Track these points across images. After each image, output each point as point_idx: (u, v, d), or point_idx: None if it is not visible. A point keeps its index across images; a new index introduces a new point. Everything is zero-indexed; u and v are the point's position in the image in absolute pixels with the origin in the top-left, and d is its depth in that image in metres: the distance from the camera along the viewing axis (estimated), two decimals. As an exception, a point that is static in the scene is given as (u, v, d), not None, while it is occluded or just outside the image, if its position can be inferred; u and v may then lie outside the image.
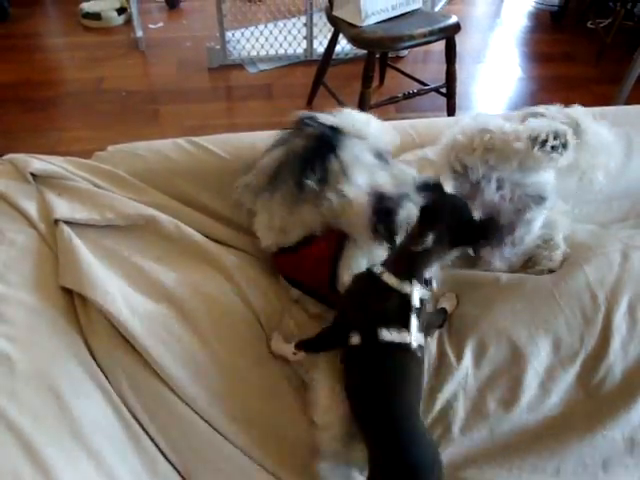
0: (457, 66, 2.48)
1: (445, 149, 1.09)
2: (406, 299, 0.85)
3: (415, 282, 0.86)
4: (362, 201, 0.93)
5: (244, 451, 0.88)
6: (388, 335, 0.84)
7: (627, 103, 2.45)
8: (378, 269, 0.88)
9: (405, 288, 0.86)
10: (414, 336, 0.85)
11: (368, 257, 0.99)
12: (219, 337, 0.94)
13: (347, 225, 0.97)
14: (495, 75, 3.23)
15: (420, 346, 0.87)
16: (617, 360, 1.03)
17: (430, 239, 0.85)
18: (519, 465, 1.02)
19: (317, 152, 0.97)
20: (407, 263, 0.87)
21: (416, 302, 0.86)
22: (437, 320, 1.04)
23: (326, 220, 0.99)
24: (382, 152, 1.04)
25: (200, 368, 0.91)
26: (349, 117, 1.06)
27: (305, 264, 1.01)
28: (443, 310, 1.06)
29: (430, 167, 1.10)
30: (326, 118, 1.05)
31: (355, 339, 0.86)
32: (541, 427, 1.05)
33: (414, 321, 0.85)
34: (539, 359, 1.02)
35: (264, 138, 1.14)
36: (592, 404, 1.04)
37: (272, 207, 1.02)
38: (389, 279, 0.86)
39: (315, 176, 0.96)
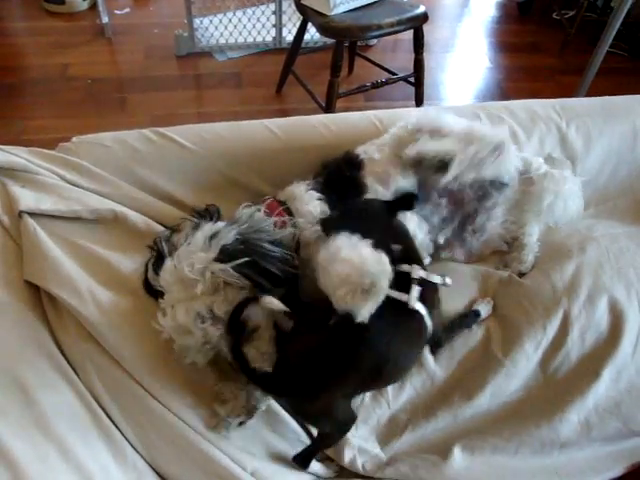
0: (425, 55, 2.50)
1: (391, 143, 1.12)
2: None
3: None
4: None
5: (211, 441, 0.89)
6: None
7: (588, 93, 2.52)
8: None
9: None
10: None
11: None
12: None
13: None
14: (463, 65, 3.26)
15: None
16: (574, 347, 1.08)
17: None
18: (481, 446, 1.06)
19: None
20: None
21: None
22: (467, 320, 1.09)
23: None
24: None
25: (163, 360, 0.91)
26: None
27: None
28: (476, 312, 1.10)
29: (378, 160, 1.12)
30: None
31: None
32: (502, 411, 1.10)
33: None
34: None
35: (229, 128, 1.14)
36: (550, 389, 1.08)
37: None
38: None
39: None
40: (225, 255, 0.87)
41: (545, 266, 1.14)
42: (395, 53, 3.32)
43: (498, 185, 1.14)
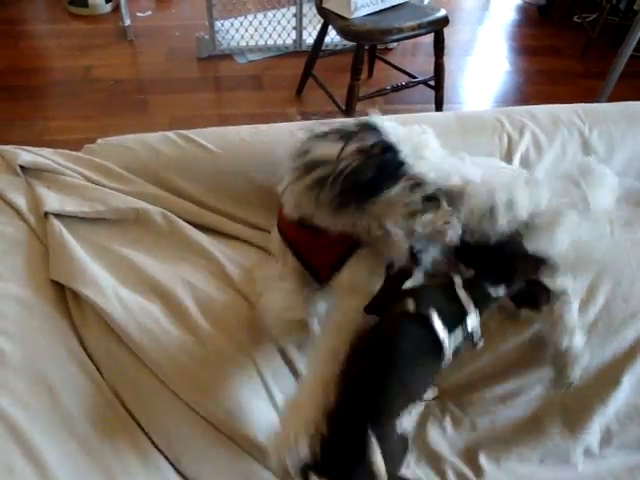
0: (445, 59, 2.49)
1: None
2: None
3: None
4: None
5: (241, 446, 0.90)
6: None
7: (610, 98, 2.49)
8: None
9: None
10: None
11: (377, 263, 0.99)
12: (206, 328, 0.96)
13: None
14: (483, 68, 3.25)
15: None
16: (594, 355, 1.07)
17: None
18: (506, 456, 1.06)
19: (374, 179, 0.86)
20: None
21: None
22: None
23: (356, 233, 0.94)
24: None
25: (187, 359, 0.92)
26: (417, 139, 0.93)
27: (318, 242, 0.97)
28: None
29: None
30: (394, 133, 0.91)
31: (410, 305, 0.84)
32: (525, 420, 1.09)
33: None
34: None
35: (253, 131, 1.15)
36: (572, 397, 1.06)
37: (304, 200, 0.93)
38: None
39: (362, 202, 0.88)
40: None
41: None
42: (415, 56, 3.32)
43: None
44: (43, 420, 0.78)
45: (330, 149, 0.85)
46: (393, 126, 0.90)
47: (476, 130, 1.20)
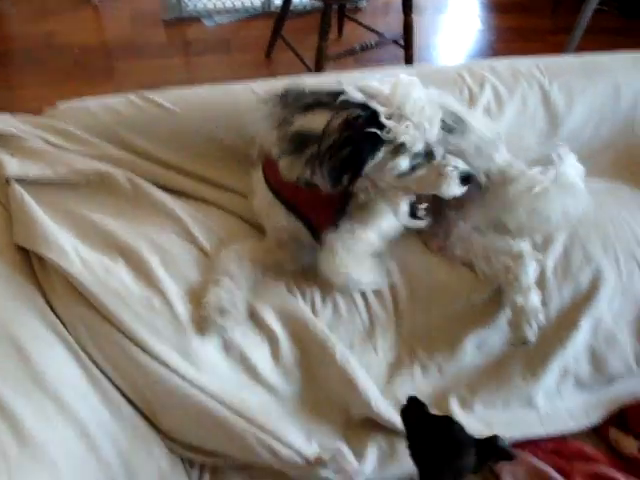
0: (417, 17, 2.48)
1: None
2: None
3: None
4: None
5: (202, 389, 0.93)
6: None
7: (577, 51, 2.50)
8: None
9: None
10: None
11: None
12: (172, 285, 0.98)
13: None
14: (455, 26, 3.24)
15: None
16: (553, 300, 1.12)
17: None
18: (471, 400, 1.12)
19: (360, 153, 0.88)
20: None
21: None
22: None
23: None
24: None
25: (153, 315, 0.95)
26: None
27: (316, 199, 0.99)
28: None
29: None
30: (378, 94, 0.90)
31: None
32: (489, 365, 1.15)
33: None
34: None
35: (213, 90, 1.16)
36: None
37: (299, 173, 0.95)
38: None
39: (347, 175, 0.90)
40: None
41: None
42: (386, 15, 3.28)
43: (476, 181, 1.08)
44: (14, 379, 0.79)
45: (315, 122, 0.88)
46: (376, 88, 0.91)
47: (437, 84, 1.20)
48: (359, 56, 2.64)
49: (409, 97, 0.89)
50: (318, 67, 2.42)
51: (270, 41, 2.73)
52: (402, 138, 0.87)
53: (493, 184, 1.08)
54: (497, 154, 1.06)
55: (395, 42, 2.60)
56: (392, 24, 2.89)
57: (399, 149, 0.89)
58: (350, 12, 3.00)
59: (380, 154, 0.89)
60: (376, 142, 0.88)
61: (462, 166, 0.93)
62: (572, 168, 1.14)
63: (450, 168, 0.92)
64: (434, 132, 0.92)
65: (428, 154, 0.92)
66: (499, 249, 1.08)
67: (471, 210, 1.10)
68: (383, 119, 0.87)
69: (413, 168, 0.92)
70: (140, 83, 2.61)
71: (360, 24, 2.79)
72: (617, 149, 1.37)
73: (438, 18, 3.28)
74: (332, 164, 0.87)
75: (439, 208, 1.10)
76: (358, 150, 0.88)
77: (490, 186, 1.08)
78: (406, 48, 2.58)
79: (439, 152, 0.93)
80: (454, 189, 0.94)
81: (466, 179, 0.94)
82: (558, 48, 2.80)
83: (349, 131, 0.86)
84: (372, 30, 2.72)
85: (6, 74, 2.62)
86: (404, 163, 0.90)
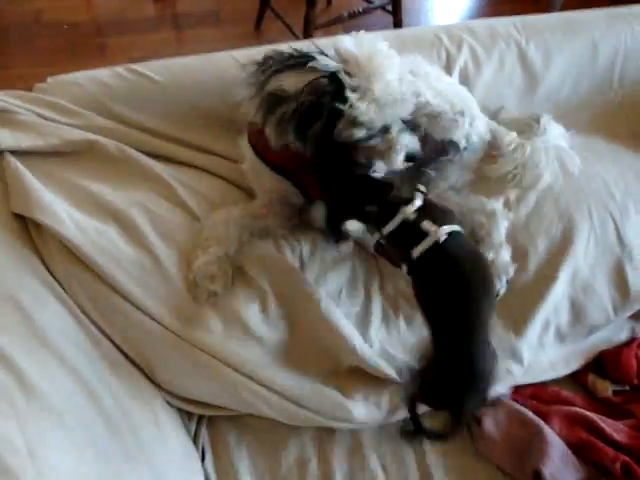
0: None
1: None
2: None
3: None
4: None
5: (194, 344, 0.99)
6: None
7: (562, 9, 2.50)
8: None
9: None
10: None
11: None
12: (162, 247, 1.03)
13: None
14: (445, -10, 3.22)
15: None
16: (530, 254, 1.17)
17: None
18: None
19: (323, 121, 0.91)
20: None
21: None
22: None
23: None
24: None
25: (145, 274, 1.00)
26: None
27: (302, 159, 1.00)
28: None
29: None
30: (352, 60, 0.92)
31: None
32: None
33: None
34: None
35: (197, 60, 1.20)
36: (514, 296, 1.15)
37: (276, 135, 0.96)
38: None
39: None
40: None
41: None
42: (376, -18, 3.26)
43: (455, 145, 1.14)
44: (16, 335, 0.84)
45: (285, 83, 0.90)
46: (351, 52, 0.91)
47: (415, 47, 1.23)
48: (347, 24, 2.62)
49: (382, 75, 0.90)
50: (306, 36, 2.42)
51: (259, 12, 2.73)
52: (361, 117, 0.89)
53: (474, 148, 1.13)
54: (475, 123, 1.11)
55: (383, 8, 2.59)
56: (382, -10, 2.89)
57: (357, 122, 0.91)
58: (339, -20, 2.99)
59: (340, 126, 0.91)
60: (336, 114, 0.90)
61: (411, 145, 0.96)
62: (558, 136, 1.18)
63: (399, 146, 0.95)
64: (396, 118, 0.94)
65: (384, 128, 0.94)
66: (473, 207, 1.13)
67: (450, 171, 1.15)
68: (348, 93, 0.88)
69: (369, 137, 0.94)
70: (131, 58, 2.62)
71: (348, -9, 2.78)
72: (595, 105, 1.39)
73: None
74: (297, 127, 0.90)
75: (417, 169, 1.15)
76: (327, 115, 0.90)
77: (471, 149, 1.12)
78: (394, 14, 2.58)
79: (395, 128, 0.95)
80: (397, 164, 0.97)
81: (411, 158, 0.98)
82: (546, 7, 2.79)
83: (313, 97, 0.89)
84: (360, -3, 2.72)
85: (-5, 53, 2.64)
86: (359, 133, 0.92)
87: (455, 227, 0.95)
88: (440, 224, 0.93)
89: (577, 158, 1.14)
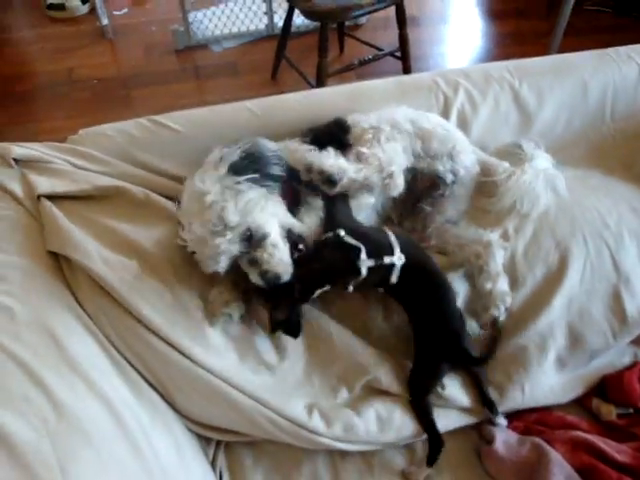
0: (417, 29, 2.61)
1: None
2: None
3: None
4: None
5: (212, 372, 1.06)
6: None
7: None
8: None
9: None
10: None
11: None
12: (180, 280, 1.13)
13: None
14: (453, 36, 3.37)
15: None
16: (527, 280, 1.22)
17: None
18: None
19: None
20: None
21: None
22: None
23: None
24: None
25: (166, 306, 1.09)
26: None
27: None
28: None
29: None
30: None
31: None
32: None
33: None
34: None
35: (215, 110, 1.32)
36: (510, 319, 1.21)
37: None
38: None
39: None
40: (233, 169, 1.06)
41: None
42: (386, 30, 3.41)
43: (443, 180, 1.25)
44: (49, 361, 0.92)
45: None
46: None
47: (414, 92, 1.34)
48: (359, 70, 2.77)
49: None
50: (319, 83, 2.56)
51: (274, 62, 2.90)
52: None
53: (464, 181, 1.22)
54: (460, 157, 1.23)
55: (392, 55, 2.73)
56: (392, 38, 3.03)
57: None
58: (351, 29, 3.16)
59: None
60: None
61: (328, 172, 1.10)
62: (544, 160, 1.26)
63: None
64: None
65: None
66: (470, 238, 1.21)
67: (445, 205, 1.23)
68: None
69: None
70: (155, 108, 2.76)
71: (358, 40, 2.94)
72: (588, 140, 1.47)
73: (436, 29, 3.40)
74: None
75: (415, 205, 1.24)
76: None
77: (460, 182, 1.21)
78: (403, 60, 2.71)
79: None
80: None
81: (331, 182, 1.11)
82: (549, 51, 2.90)
83: None
84: (370, 45, 2.87)
85: (32, 109, 2.83)
86: None
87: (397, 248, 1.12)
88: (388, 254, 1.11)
89: (564, 179, 1.23)
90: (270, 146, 1.14)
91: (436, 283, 1.17)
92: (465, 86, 1.40)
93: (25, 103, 2.86)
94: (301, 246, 1.09)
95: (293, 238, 1.09)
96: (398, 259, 1.11)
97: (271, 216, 1.07)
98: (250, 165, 1.07)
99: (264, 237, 1.04)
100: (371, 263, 1.09)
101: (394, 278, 1.11)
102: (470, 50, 3.27)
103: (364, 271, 1.08)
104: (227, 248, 1.02)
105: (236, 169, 1.06)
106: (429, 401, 1.15)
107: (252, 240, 1.04)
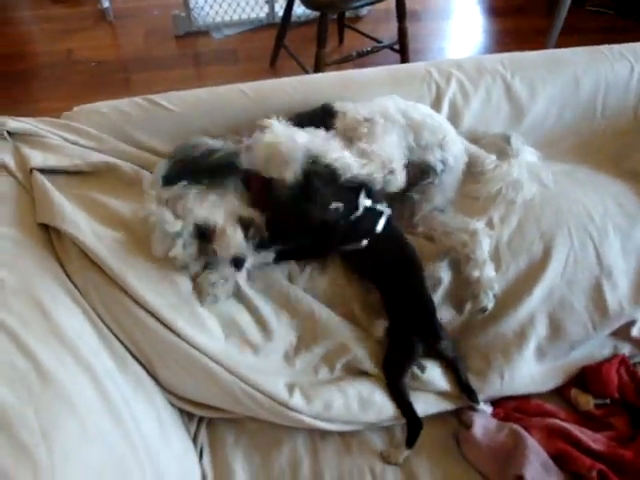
0: (418, 23, 2.62)
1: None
2: None
3: None
4: None
5: (196, 346, 1.08)
6: None
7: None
8: None
9: None
10: None
11: None
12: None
13: None
14: (455, 32, 3.37)
15: None
16: (510, 268, 1.24)
17: None
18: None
19: None
20: None
21: None
22: None
23: None
24: None
25: (155, 280, 1.10)
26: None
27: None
28: None
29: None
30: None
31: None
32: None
33: None
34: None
35: (208, 92, 1.32)
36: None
37: None
38: None
39: None
40: (165, 182, 1.13)
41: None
42: (388, 23, 3.41)
43: (433, 169, 1.27)
44: (37, 330, 0.94)
45: None
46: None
47: (407, 81, 1.36)
48: (357, 62, 2.76)
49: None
50: (317, 73, 2.56)
51: (273, 51, 2.90)
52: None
53: (452, 169, 1.24)
54: (449, 146, 1.25)
55: (391, 48, 2.74)
56: (393, 31, 3.04)
57: None
58: (351, 21, 3.15)
59: None
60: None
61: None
62: (530, 154, 1.28)
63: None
64: None
65: None
66: (457, 226, 1.23)
67: (433, 193, 1.25)
68: None
69: None
70: (153, 92, 2.78)
71: (357, 31, 2.94)
72: (579, 134, 1.49)
73: (437, 24, 3.41)
74: None
75: (403, 193, 1.26)
76: None
77: (449, 170, 1.23)
78: (401, 53, 2.72)
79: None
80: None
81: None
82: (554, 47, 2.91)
83: None
84: (369, 37, 2.87)
85: (30, 89, 2.84)
86: None
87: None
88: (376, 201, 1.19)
89: (549, 172, 1.24)
90: (204, 143, 1.18)
91: (407, 254, 1.21)
92: (458, 77, 1.42)
93: (23, 83, 2.86)
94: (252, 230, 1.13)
95: (245, 222, 1.13)
96: (387, 209, 1.19)
97: (214, 207, 1.12)
98: (181, 170, 1.13)
99: (213, 227, 1.09)
100: (368, 203, 1.17)
101: (379, 227, 1.18)
102: (469, 46, 3.28)
103: (361, 210, 1.16)
104: (185, 253, 1.09)
105: (168, 180, 1.12)
106: (405, 383, 1.16)
107: (206, 234, 1.10)
